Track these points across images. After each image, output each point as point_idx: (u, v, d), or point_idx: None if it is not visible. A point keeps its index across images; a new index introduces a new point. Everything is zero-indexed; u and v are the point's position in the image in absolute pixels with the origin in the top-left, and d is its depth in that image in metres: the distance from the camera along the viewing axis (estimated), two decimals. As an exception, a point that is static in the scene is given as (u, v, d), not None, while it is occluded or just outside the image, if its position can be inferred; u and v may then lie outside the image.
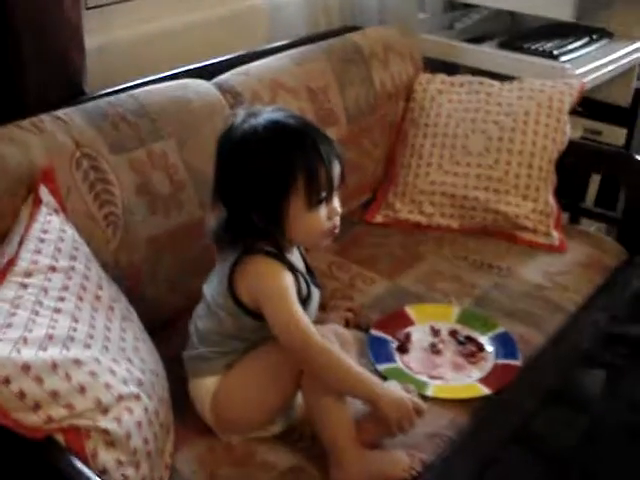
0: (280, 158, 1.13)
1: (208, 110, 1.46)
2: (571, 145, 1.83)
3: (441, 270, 1.68)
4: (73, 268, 1.06)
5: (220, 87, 1.54)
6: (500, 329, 1.46)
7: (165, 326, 1.36)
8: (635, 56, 2.24)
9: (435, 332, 1.45)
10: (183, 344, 1.24)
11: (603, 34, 2.23)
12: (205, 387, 1.20)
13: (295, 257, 1.23)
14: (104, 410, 0.93)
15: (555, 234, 1.79)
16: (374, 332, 1.43)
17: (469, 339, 1.43)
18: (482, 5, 2.23)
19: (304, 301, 1.18)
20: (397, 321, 1.48)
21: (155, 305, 1.36)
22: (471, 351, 1.40)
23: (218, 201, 1.18)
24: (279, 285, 1.13)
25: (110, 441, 0.93)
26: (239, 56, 1.72)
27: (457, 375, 1.35)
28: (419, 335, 1.45)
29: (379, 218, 1.89)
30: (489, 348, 1.41)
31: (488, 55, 2.11)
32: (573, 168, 1.89)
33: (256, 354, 1.18)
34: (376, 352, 1.38)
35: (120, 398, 0.96)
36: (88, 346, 0.96)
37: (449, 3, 2.39)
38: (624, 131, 2.29)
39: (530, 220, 1.78)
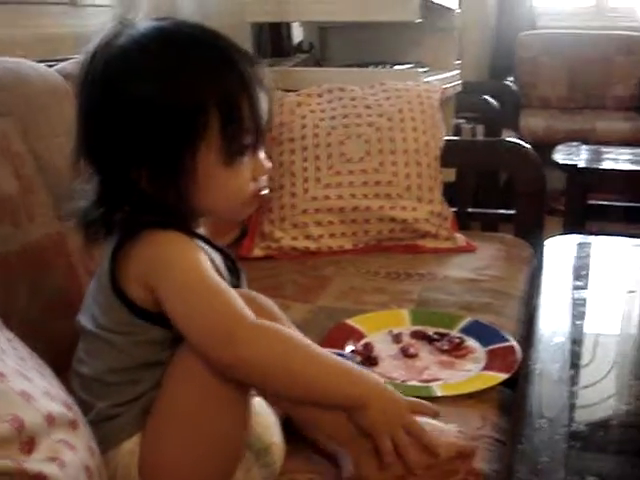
0: (182, 83, 0.75)
1: (51, 90, 1.06)
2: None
3: (358, 286, 1.38)
4: None
5: (60, 72, 1.15)
6: (468, 319, 1.18)
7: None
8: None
9: (396, 337, 1.13)
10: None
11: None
12: (123, 458, 0.76)
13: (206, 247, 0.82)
14: (29, 440, 0.48)
15: (458, 236, 1.60)
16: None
17: (441, 335, 1.13)
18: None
19: None
20: (344, 335, 1.13)
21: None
22: (453, 345, 1.09)
23: (85, 161, 0.78)
24: (191, 260, 0.75)
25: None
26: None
27: (452, 373, 1.03)
28: (380, 344, 1.12)
29: (257, 252, 1.56)
30: (469, 339, 1.12)
31: (337, 74, 1.92)
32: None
33: (175, 379, 0.76)
34: (342, 368, 1.01)
35: (51, 420, 0.51)
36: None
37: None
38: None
39: (430, 224, 1.57)
